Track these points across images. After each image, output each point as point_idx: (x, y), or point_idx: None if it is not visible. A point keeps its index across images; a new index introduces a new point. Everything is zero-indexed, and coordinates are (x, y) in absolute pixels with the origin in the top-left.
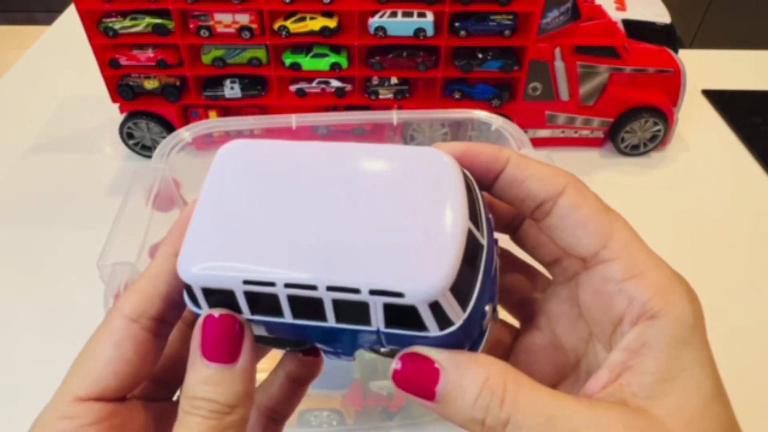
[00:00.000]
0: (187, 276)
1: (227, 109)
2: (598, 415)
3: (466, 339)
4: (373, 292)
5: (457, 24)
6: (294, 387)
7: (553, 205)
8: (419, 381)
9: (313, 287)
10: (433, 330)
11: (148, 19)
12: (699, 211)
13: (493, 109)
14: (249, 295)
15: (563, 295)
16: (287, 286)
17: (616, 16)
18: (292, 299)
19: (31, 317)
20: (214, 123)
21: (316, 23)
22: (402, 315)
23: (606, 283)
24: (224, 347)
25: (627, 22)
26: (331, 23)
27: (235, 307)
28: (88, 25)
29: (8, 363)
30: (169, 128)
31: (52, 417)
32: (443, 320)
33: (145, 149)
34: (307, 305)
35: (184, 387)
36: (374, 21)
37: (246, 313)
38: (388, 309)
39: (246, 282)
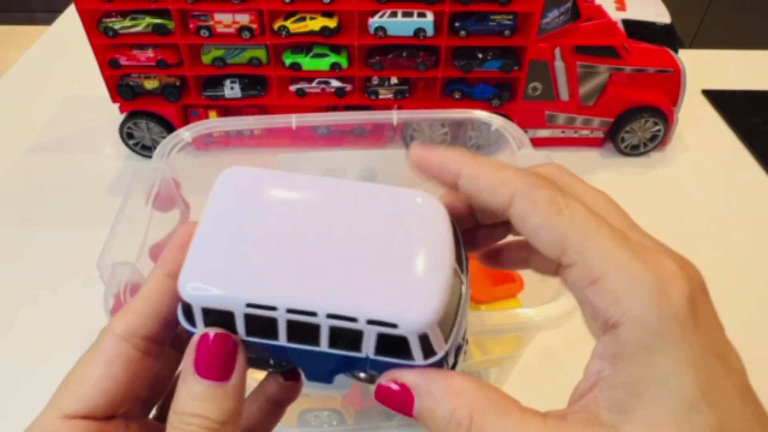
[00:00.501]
0: (188, 295)
1: (227, 109)
2: None
3: (444, 367)
4: (369, 322)
5: (457, 24)
6: (273, 409)
7: (509, 215)
8: (398, 401)
9: (314, 314)
10: (418, 359)
11: (148, 19)
12: (699, 211)
13: (493, 109)
14: (248, 318)
15: None
16: (289, 311)
17: (616, 16)
18: (290, 324)
19: (31, 317)
20: (214, 123)
21: (316, 23)
22: (392, 344)
23: (572, 289)
24: (218, 365)
25: (627, 22)
26: (331, 23)
27: (231, 327)
28: (88, 25)
29: (8, 363)
30: (169, 128)
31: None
32: (428, 351)
33: (145, 149)
34: (303, 330)
35: (174, 402)
36: (374, 21)
37: (241, 334)
38: (381, 338)
39: (249, 305)
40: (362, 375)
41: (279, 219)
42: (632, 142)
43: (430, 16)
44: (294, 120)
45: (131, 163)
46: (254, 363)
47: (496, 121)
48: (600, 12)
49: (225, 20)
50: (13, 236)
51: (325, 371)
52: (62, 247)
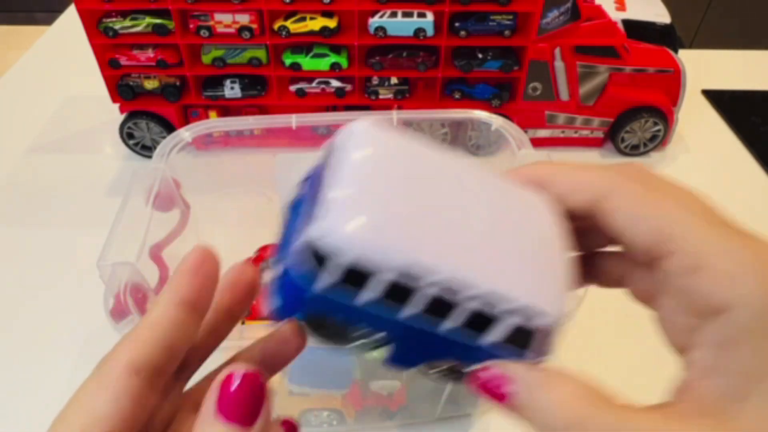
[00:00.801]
0: (342, 242)
1: (227, 109)
2: (671, 431)
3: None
4: (511, 311)
5: (457, 24)
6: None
7: (602, 212)
8: (496, 391)
9: (458, 292)
10: (534, 354)
11: (148, 19)
12: None
13: (493, 109)
14: (389, 284)
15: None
16: (434, 284)
17: (616, 16)
18: (431, 299)
19: (31, 317)
20: (214, 123)
21: (316, 23)
22: (517, 336)
23: (671, 279)
24: (244, 408)
25: (627, 22)
26: (331, 23)
27: (357, 285)
28: (89, 25)
29: (8, 362)
30: (169, 128)
31: None
32: (547, 346)
33: (145, 149)
34: (438, 308)
35: None
36: (374, 21)
37: (362, 299)
38: (512, 328)
39: (401, 272)
40: (445, 367)
41: (417, 186)
42: (632, 142)
43: (430, 16)
44: (294, 120)
45: (131, 163)
46: (331, 335)
47: (496, 121)
48: (600, 12)
49: (225, 20)
50: (13, 236)
51: (419, 356)
52: (62, 247)
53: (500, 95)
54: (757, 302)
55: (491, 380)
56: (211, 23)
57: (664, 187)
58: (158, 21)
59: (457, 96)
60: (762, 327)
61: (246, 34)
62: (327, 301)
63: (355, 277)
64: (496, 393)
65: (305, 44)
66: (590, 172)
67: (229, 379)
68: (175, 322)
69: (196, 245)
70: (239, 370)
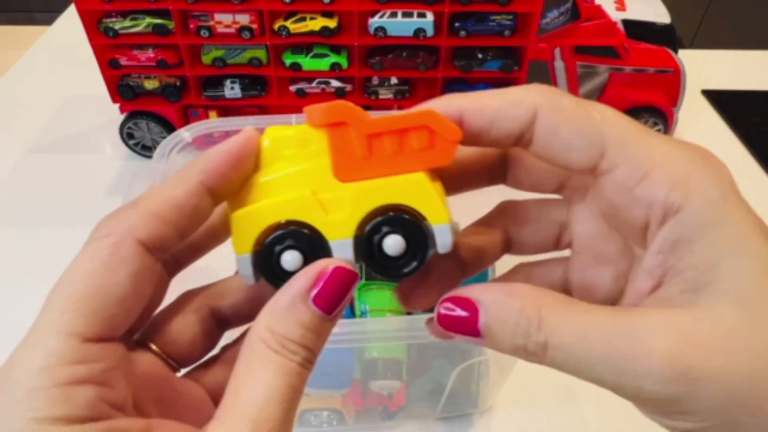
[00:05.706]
0: None
1: (227, 110)
2: (633, 322)
3: None
4: None
5: (457, 24)
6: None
7: (532, 134)
8: (463, 321)
9: None
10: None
11: (149, 20)
12: None
13: None
14: None
15: (585, 214)
16: None
17: (616, 16)
18: None
19: (31, 318)
20: (214, 123)
21: (316, 23)
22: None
23: (617, 194)
24: (336, 299)
25: (627, 23)
26: (331, 23)
27: None
28: (89, 25)
29: None
30: (170, 128)
31: (57, 361)
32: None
33: (145, 149)
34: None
35: (274, 323)
36: (374, 21)
37: None
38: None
39: None
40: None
41: None
42: None
43: (430, 17)
44: (294, 120)
45: (131, 163)
46: None
47: None
48: (600, 12)
49: (225, 20)
50: (13, 236)
51: None
52: (63, 247)
53: None
54: (706, 194)
55: (453, 313)
56: (211, 23)
57: (583, 102)
58: (158, 21)
59: None
60: (714, 217)
61: (246, 35)
62: None
63: None
64: (464, 324)
65: (305, 44)
66: (514, 94)
67: (335, 271)
68: (198, 207)
69: (246, 129)
70: (338, 262)
